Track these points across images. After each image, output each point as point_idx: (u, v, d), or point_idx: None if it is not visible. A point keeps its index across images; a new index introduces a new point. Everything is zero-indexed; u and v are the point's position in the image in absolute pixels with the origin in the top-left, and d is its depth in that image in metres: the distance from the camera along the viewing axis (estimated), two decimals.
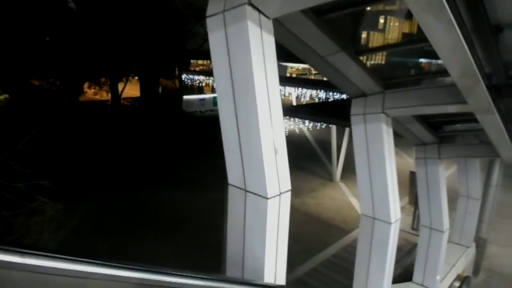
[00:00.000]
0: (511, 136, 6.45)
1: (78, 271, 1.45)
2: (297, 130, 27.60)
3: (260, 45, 3.23)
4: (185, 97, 30.22)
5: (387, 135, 5.37)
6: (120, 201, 14.46)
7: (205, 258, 11.09)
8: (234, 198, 3.50)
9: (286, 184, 3.39)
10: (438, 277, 8.02)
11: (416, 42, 5.07)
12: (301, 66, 43.49)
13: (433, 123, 7.63)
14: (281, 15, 3.39)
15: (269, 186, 3.22)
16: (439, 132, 7.83)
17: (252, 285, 3.22)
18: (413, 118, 6.80)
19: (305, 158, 20.76)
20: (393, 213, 5.47)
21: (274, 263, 3.46)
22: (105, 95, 27.47)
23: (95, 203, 14.12)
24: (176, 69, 31.84)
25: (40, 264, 1.34)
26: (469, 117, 6.46)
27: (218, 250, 11.47)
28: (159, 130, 23.32)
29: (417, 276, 8.28)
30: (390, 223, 5.43)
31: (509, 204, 16.07)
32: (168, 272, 1.98)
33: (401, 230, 13.31)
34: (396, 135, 7.80)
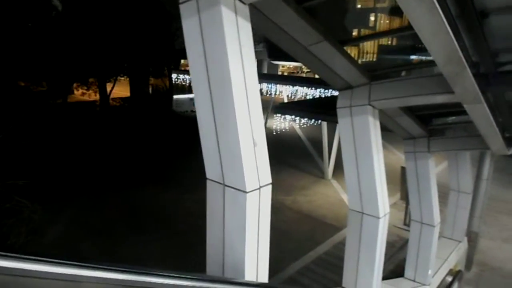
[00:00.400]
0: (499, 126, 6.38)
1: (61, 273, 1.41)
2: (288, 128, 27.51)
3: (236, 33, 3.08)
4: (175, 96, 29.92)
5: (374, 127, 5.26)
6: (105, 202, 14.25)
7: (190, 257, 10.96)
8: (212, 193, 3.36)
9: (266, 177, 3.26)
10: (429, 272, 7.94)
11: (401, 30, 4.96)
12: (292, 64, 43.45)
13: (422, 117, 7.55)
14: (257, 0, 3.24)
15: (247, 180, 3.08)
16: (428, 126, 7.75)
17: (232, 283, 3.07)
18: (401, 111, 6.70)
19: (297, 156, 20.66)
20: (382, 207, 5.36)
21: (256, 260, 3.32)
22: (93, 96, 27.18)
23: (81, 203, 13.87)
24: (166, 68, 31.66)
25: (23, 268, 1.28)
26: (458, 109, 6.38)
27: (202, 249, 11.30)
28: (148, 130, 23.01)
29: (408, 271, 8.19)
30: (379, 218, 5.32)
31: (502, 199, 16.10)
32: (143, 271, 1.88)
33: (393, 226, 13.31)
34: (386, 130, 7.72)
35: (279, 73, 44.10)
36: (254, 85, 3.22)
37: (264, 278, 3.48)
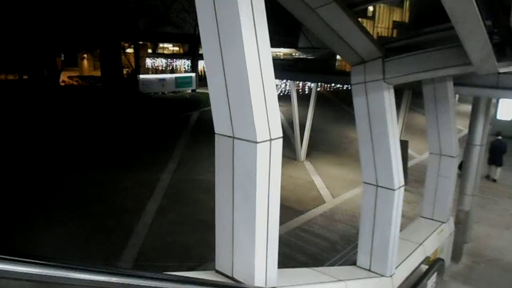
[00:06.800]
0: (485, 24, 3.96)
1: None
2: None
3: None
4: (141, 76, 27.19)
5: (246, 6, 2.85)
6: (36, 184, 12.13)
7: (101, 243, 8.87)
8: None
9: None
10: (390, 259, 5.51)
11: None
12: (282, 51, 41.05)
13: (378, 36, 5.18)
14: None
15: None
16: (385, 44, 5.38)
17: None
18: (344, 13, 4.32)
19: None
20: (261, 131, 2.94)
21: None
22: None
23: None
24: (125, 45, 29.83)
25: None
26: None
27: (121, 234, 9.16)
28: (100, 112, 20.46)
29: (361, 257, 5.76)
30: (256, 142, 2.90)
31: (504, 182, 13.59)
32: None
33: None
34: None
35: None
36: None
37: None
